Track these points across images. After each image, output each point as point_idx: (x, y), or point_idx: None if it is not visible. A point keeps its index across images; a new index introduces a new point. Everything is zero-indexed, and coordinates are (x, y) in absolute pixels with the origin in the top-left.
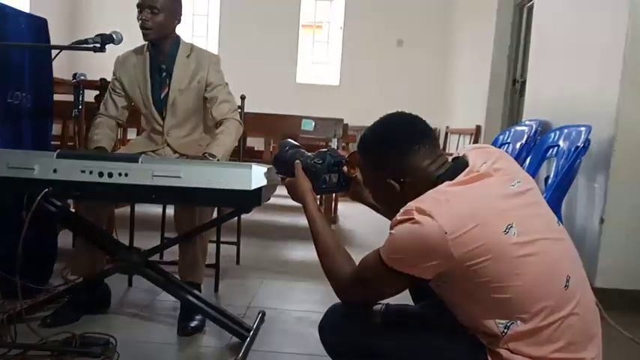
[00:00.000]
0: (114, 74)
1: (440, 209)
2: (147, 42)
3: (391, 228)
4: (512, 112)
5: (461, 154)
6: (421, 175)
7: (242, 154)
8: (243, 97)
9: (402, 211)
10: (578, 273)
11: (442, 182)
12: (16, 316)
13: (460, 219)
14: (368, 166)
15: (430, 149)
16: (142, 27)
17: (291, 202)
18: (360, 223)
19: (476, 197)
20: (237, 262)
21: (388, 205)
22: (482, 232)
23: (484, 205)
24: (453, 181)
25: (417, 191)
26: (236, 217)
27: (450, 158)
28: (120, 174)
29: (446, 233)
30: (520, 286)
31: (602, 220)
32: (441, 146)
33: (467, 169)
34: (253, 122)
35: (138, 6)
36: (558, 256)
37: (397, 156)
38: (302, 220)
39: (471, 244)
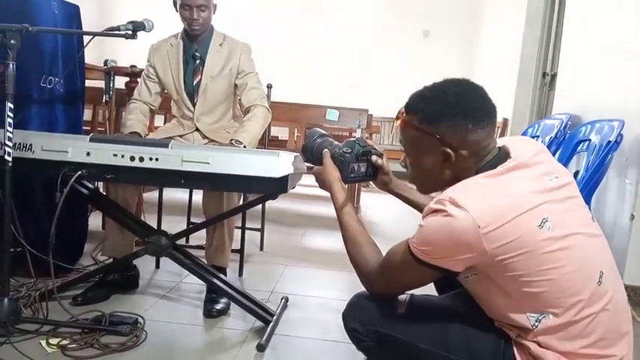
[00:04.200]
0: (148, 61)
1: (474, 201)
2: (181, 30)
3: (422, 218)
4: (541, 106)
5: (501, 145)
6: (476, 154)
7: (267, 143)
8: (269, 86)
9: (434, 200)
10: (612, 270)
11: (482, 172)
12: (48, 293)
13: (494, 212)
14: (422, 129)
15: (491, 131)
16: (191, 25)
17: (313, 190)
18: (383, 214)
19: (511, 190)
20: (261, 248)
21: (426, 177)
22: (517, 226)
23: (519, 199)
24: (492, 172)
25: (465, 167)
26: (260, 204)
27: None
28: (151, 158)
29: (479, 227)
30: (553, 280)
31: (632, 217)
32: None
33: (508, 160)
34: (278, 112)
35: (185, 6)
36: (592, 251)
37: (465, 126)
38: (325, 209)
39: (504, 238)
